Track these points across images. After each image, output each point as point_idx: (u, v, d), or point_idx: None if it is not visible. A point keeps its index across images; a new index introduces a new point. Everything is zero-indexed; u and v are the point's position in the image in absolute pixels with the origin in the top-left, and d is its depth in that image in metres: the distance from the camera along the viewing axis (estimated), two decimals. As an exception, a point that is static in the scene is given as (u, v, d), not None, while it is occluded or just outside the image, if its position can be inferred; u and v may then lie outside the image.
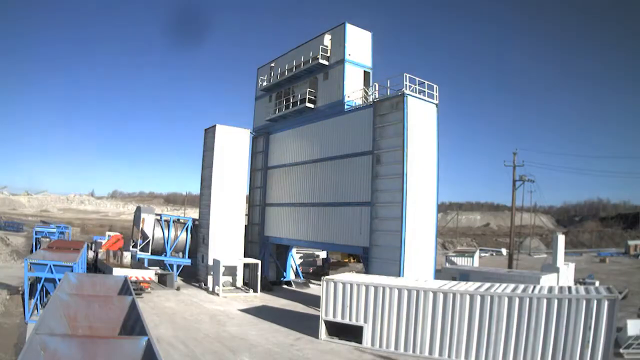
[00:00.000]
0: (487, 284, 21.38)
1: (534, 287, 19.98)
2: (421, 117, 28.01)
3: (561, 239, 38.16)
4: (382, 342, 21.18)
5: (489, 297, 18.87)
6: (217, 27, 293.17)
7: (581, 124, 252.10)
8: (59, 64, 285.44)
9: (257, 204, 42.16)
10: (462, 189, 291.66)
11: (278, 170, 39.99)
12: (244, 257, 39.29)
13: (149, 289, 32.48)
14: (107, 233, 51.92)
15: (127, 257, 35.76)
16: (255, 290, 35.07)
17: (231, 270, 36.28)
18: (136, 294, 14.79)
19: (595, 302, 16.97)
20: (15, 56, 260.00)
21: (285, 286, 40.20)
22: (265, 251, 40.39)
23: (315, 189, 34.69)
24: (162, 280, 37.41)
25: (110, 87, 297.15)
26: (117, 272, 30.16)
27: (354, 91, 32.56)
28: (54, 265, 23.52)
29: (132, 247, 39.81)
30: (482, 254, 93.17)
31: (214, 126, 40.08)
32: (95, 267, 39.13)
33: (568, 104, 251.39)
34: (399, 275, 25.38)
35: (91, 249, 42.38)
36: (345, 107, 32.38)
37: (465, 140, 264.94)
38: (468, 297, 19.28)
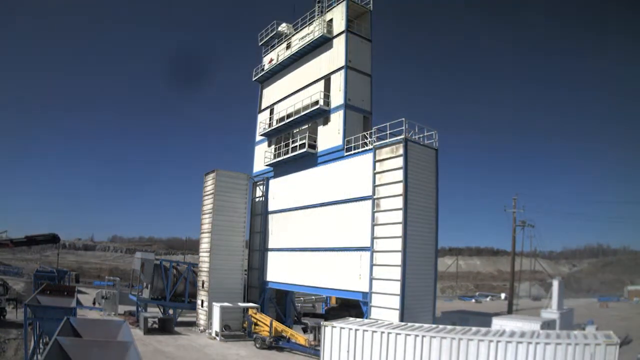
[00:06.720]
0: (487, 329, 21.36)
1: (533, 333, 19.95)
2: (421, 162, 28.26)
3: (560, 284, 38.17)
4: (382, 389, 21.01)
5: (488, 342, 18.82)
6: (216, 70, 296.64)
7: (582, 169, 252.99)
8: (57, 112, 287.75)
9: (257, 249, 42.13)
10: (462, 234, 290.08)
11: (278, 215, 40.07)
12: (244, 302, 39.11)
13: None
14: (107, 277, 51.74)
15: None
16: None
17: (231, 315, 36.06)
18: None
19: (595, 347, 16.94)
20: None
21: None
22: (265, 296, 40.22)
23: (315, 234, 34.60)
24: (162, 325, 37.18)
25: (110, 132, 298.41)
26: None
27: (353, 136, 32.91)
28: (53, 310, 23.42)
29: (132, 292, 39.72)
30: (482, 299, 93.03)
31: (214, 171, 40.36)
32: None
33: (569, 149, 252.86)
34: (400, 321, 25.27)
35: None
36: (345, 152, 32.68)
37: (465, 186, 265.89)
38: (467, 342, 19.23)
